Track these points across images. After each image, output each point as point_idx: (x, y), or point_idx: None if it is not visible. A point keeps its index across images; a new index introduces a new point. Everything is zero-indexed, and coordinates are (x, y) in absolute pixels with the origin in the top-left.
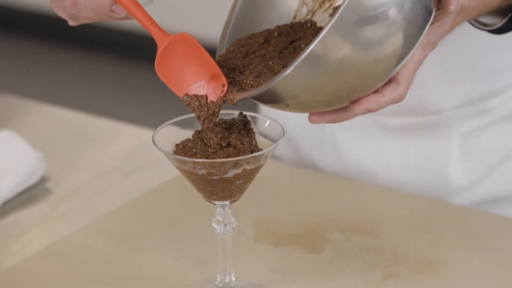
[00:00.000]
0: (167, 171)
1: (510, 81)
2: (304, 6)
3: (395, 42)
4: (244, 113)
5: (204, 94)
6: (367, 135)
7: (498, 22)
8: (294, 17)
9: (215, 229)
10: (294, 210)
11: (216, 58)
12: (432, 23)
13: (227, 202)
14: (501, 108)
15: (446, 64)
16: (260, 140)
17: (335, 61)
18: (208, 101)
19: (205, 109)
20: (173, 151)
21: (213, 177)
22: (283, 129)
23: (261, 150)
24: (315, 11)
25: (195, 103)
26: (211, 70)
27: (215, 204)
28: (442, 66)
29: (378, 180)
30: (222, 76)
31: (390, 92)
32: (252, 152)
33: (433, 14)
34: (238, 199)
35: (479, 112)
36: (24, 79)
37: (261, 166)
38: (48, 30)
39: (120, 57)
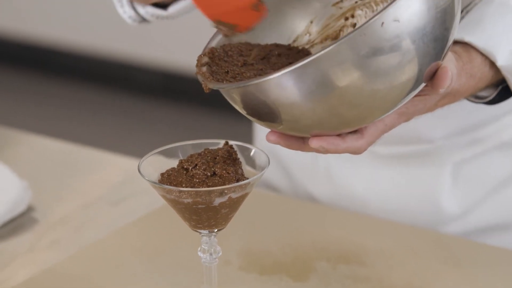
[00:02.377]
0: (154, 200)
1: (502, 110)
2: (307, 35)
3: (375, 98)
4: (230, 142)
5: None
6: (359, 163)
7: (490, 94)
8: (294, 41)
9: (201, 258)
10: (279, 239)
11: (207, 46)
12: (416, 96)
13: (213, 231)
14: (492, 137)
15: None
16: (247, 169)
17: (315, 88)
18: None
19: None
20: (158, 180)
21: (199, 206)
22: (268, 158)
23: (247, 179)
24: (315, 43)
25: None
26: None
27: (201, 233)
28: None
29: (370, 208)
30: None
31: (351, 141)
32: (238, 181)
33: (421, 86)
34: (223, 228)
35: (471, 141)
36: (10, 109)
37: (246, 194)
38: (35, 60)
39: (107, 87)
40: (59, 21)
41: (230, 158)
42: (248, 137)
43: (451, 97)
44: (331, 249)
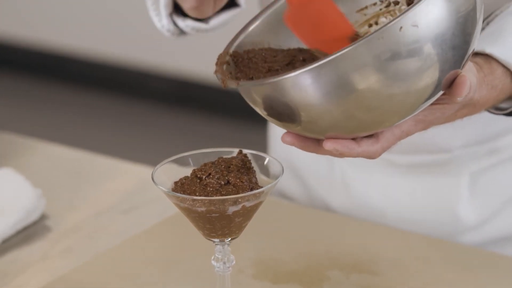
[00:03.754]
0: (167, 208)
1: None
2: None
3: (392, 103)
4: (244, 151)
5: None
6: (376, 172)
7: (510, 105)
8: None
9: (215, 266)
10: (293, 248)
11: (232, 49)
12: (434, 104)
13: (226, 240)
14: (509, 148)
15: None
16: (261, 178)
17: (331, 89)
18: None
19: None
20: (172, 188)
21: (212, 215)
22: (283, 167)
23: (261, 187)
24: None
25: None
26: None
27: (214, 241)
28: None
29: (387, 218)
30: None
31: (366, 145)
32: (251, 189)
33: (439, 94)
34: (237, 237)
35: (488, 152)
36: (24, 117)
37: (260, 203)
38: (49, 68)
39: (120, 95)
40: (77, 30)
41: (244, 167)
42: (263, 146)
43: (471, 108)
44: (344, 258)
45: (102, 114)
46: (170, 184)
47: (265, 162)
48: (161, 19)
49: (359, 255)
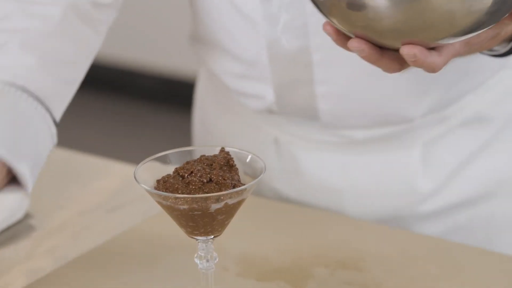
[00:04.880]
0: (151, 207)
1: (481, 81)
2: None
3: (484, 6)
4: (227, 149)
5: None
6: (329, 154)
7: (502, 48)
8: None
9: (198, 264)
10: (277, 245)
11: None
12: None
13: (209, 238)
14: (458, 113)
15: (419, 71)
16: (244, 175)
17: None
18: None
19: None
20: (154, 187)
21: (195, 213)
22: (265, 165)
23: (244, 185)
24: None
25: None
26: None
27: (197, 239)
28: (415, 73)
29: (344, 197)
30: None
31: (433, 56)
32: (234, 187)
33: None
34: (220, 234)
35: (438, 120)
36: None
37: (243, 201)
38: None
39: (105, 94)
40: None
41: (226, 164)
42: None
43: (496, 39)
44: (329, 255)
45: (87, 113)
46: (152, 182)
47: (248, 160)
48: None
49: (344, 251)
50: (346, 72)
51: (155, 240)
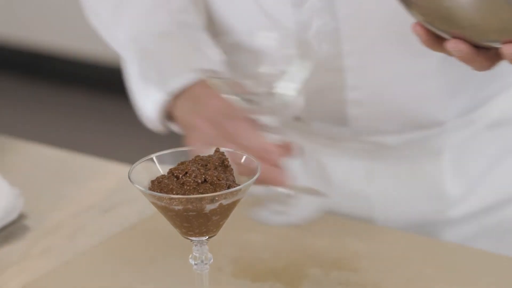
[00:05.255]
0: (146, 207)
1: (510, 82)
2: None
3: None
4: (222, 149)
5: None
6: (357, 161)
7: None
8: None
9: (192, 265)
10: (271, 245)
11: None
12: None
13: (204, 238)
14: (484, 116)
15: (451, 73)
16: (238, 176)
17: None
18: None
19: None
20: (149, 187)
21: (190, 213)
22: (259, 165)
23: (238, 185)
24: None
25: None
26: None
27: (192, 240)
28: (447, 76)
29: (371, 202)
30: None
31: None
32: (229, 187)
33: None
34: (215, 235)
35: (465, 123)
36: (1, 115)
37: (238, 201)
38: (28, 66)
39: (99, 93)
40: (48, 27)
41: (221, 165)
42: None
43: None
44: (323, 255)
45: (82, 112)
46: (147, 183)
47: (242, 160)
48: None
49: (339, 252)
50: (378, 77)
51: (150, 240)
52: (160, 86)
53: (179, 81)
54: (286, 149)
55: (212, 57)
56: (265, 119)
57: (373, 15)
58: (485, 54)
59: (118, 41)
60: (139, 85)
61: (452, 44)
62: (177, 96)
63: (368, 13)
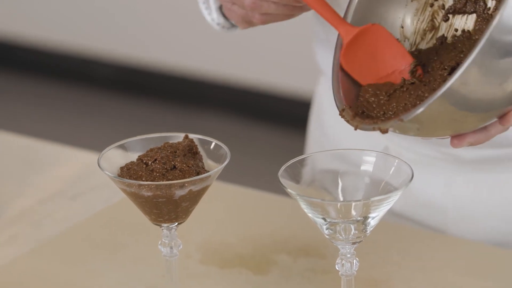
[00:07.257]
0: (113, 194)
1: None
2: (406, 40)
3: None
4: (190, 136)
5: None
6: (435, 169)
7: None
8: None
9: (162, 251)
10: (240, 232)
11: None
12: None
13: (173, 225)
14: None
15: None
16: (208, 162)
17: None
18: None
19: (378, 110)
20: (118, 174)
21: (159, 200)
22: (228, 152)
23: (208, 172)
24: (418, 44)
25: (373, 99)
26: (405, 60)
27: (161, 226)
28: None
29: (448, 215)
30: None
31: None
32: (198, 174)
33: None
34: (184, 221)
35: None
36: None
37: (207, 187)
38: None
39: (65, 81)
40: (24, 17)
41: (190, 151)
42: (208, 132)
43: None
44: (291, 241)
45: (46, 100)
46: (116, 170)
47: (211, 147)
48: (211, 13)
49: (307, 238)
50: None
51: (119, 227)
52: None
53: None
54: None
55: None
56: None
57: None
58: (496, 127)
59: None
60: None
61: (455, 143)
62: None
63: None
